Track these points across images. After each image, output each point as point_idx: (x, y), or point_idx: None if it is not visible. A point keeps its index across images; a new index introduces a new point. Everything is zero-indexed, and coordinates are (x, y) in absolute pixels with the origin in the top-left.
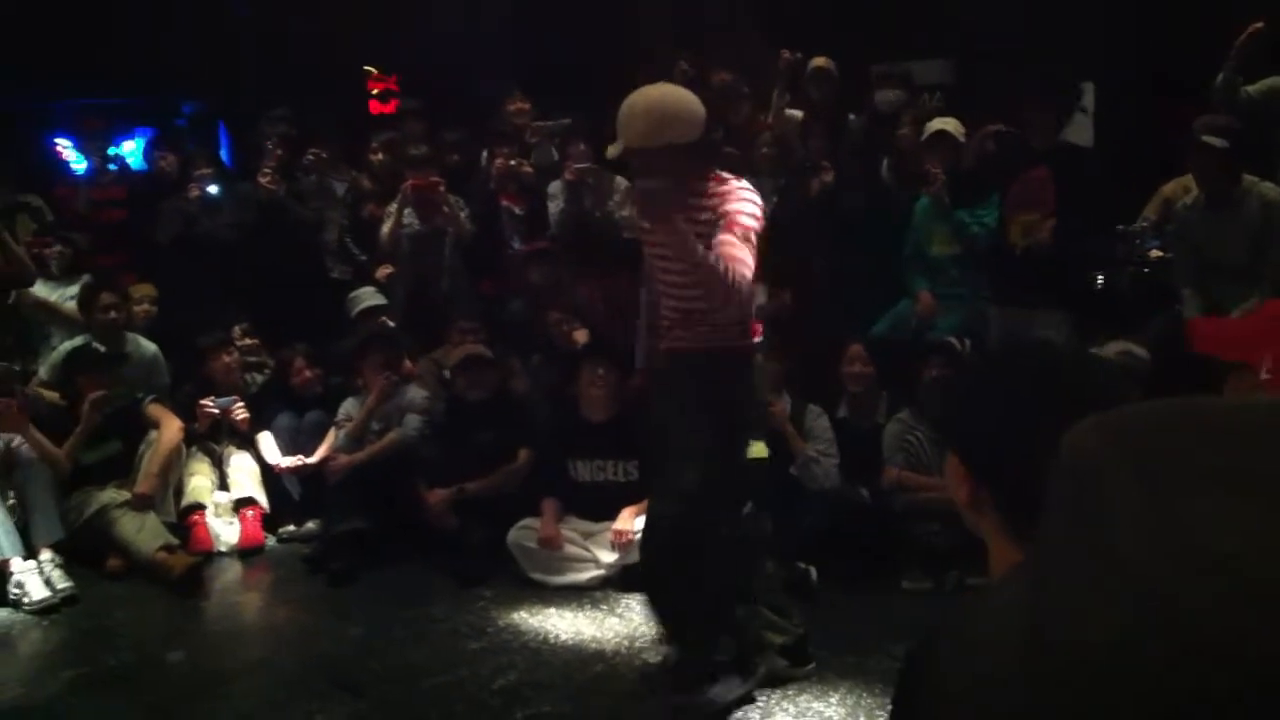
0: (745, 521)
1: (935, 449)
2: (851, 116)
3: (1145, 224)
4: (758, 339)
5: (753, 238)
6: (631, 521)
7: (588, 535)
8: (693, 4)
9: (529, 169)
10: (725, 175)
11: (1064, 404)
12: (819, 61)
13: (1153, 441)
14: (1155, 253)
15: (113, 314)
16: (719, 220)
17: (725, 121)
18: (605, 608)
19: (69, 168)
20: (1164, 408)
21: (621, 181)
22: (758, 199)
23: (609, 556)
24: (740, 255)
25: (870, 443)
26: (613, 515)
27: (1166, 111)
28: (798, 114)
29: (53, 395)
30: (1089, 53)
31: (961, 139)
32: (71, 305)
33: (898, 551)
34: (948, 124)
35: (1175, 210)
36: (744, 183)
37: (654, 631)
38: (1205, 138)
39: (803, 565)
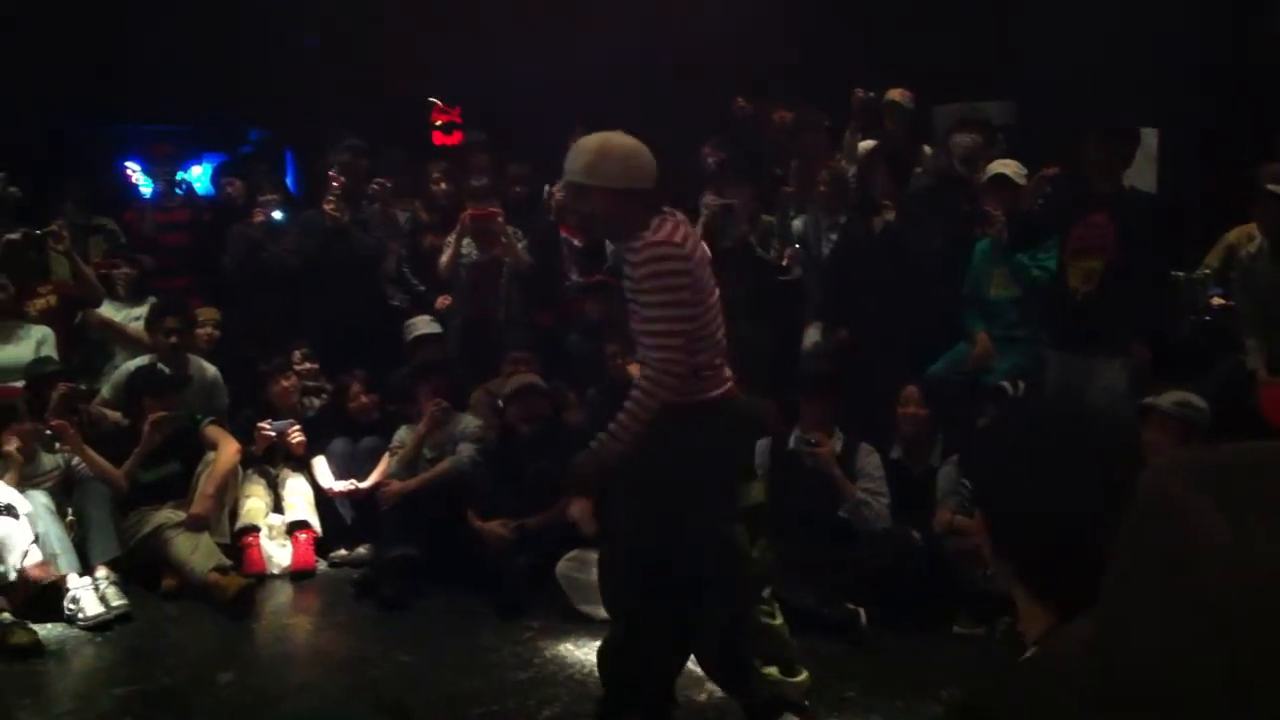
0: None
1: None
2: (927, 149)
3: (1208, 271)
4: (720, 388)
5: (671, 302)
6: None
7: None
8: (757, 45)
9: None
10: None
11: (1087, 479)
12: (895, 94)
13: (1238, 481)
14: (1217, 300)
15: (174, 338)
16: (639, 287)
17: (794, 156)
18: None
19: (138, 191)
20: (1247, 450)
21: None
22: (671, 251)
23: None
24: (658, 347)
25: (923, 485)
26: None
27: (1232, 159)
28: (871, 143)
29: (116, 414)
30: (1154, 98)
31: (1021, 182)
32: (137, 326)
33: (949, 595)
34: (1008, 166)
35: (1238, 258)
36: (659, 234)
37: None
38: (1270, 186)
39: (851, 606)
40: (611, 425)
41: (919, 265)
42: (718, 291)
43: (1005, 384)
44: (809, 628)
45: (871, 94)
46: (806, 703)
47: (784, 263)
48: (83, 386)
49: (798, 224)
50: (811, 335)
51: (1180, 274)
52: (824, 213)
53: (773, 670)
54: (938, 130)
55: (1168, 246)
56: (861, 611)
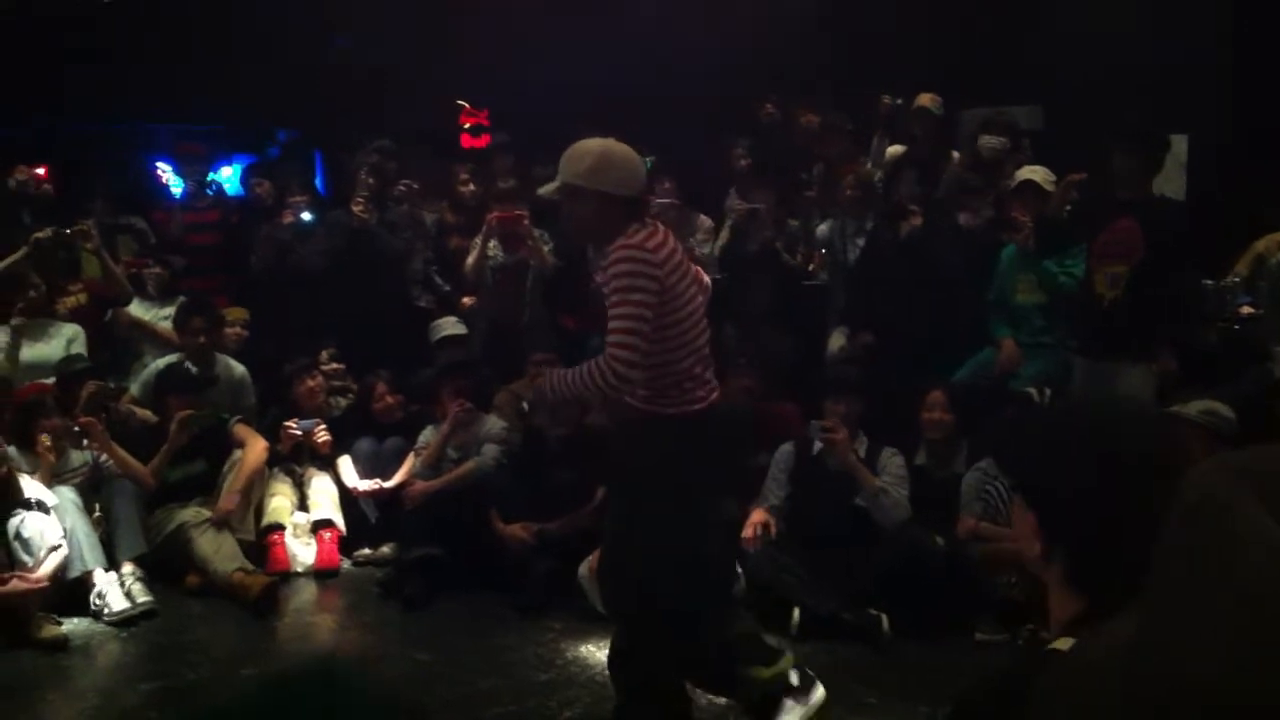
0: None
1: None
2: (955, 154)
3: (1236, 279)
4: (705, 398)
5: (633, 302)
6: None
7: None
8: (784, 49)
9: None
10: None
11: (1141, 468)
12: (924, 99)
13: None
14: (1246, 309)
15: (202, 338)
16: (606, 288)
17: (819, 160)
18: None
19: (168, 191)
20: None
21: (704, 220)
22: (640, 255)
23: None
24: (614, 344)
25: (948, 491)
26: None
27: (1262, 167)
28: (899, 149)
29: (145, 413)
30: (1183, 104)
31: (1049, 187)
32: (166, 325)
33: (971, 602)
34: (1035, 172)
35: (1268, 266)
36: (634, 239)
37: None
38: None
39: (874, 612)
40: (556, 375)
41: (945, 271)
42: (700, 299)
43: (1031, 390)
44: (831, 633)
45: (899, 100)
46: (796, 672)
47: (809, 267)
48: (111, 385)
49: (823, 229)
50: (836, 340)
51: (1208, 281)
52: (850, 218)
53: (759, 670)
54: (963, 135)
55: (1196, 254)
56: (884, 617)
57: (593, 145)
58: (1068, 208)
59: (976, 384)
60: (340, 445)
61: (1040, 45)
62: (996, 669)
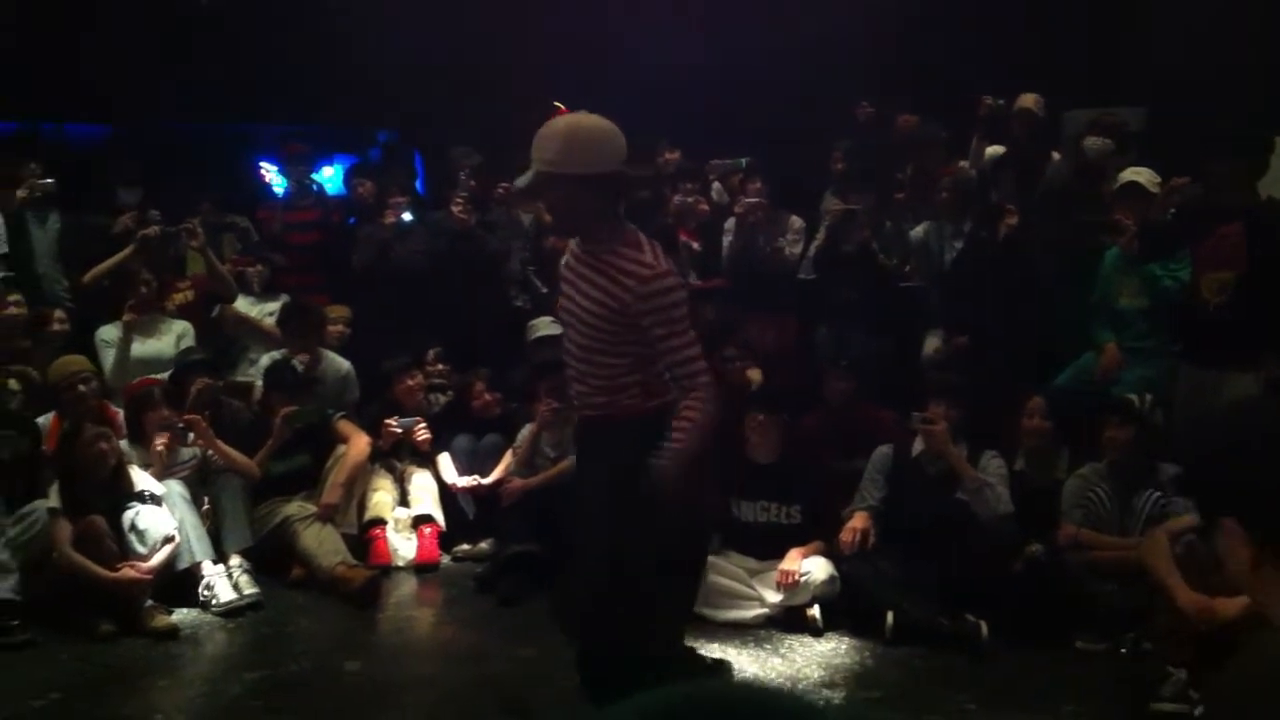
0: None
1: (1118, 506)
2: (1055, 155)
3: None
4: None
5: (687, 324)
6: (798, 563)
7: (753, 573)
8: (884, 48)
9: (705, 206)
10: (638, 244)
11: None
12: (1027, 100)
13: None
14: None
15: (306, 338)
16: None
17: (916, 162)
18: (769, 646)
19: (271, 190)
20: None
21: (795, 220)
22: (675, 281)
23: (774, 596)
24: (698, 371)
25: (1048, 499)
26: (778, 555)
27: None
28: (998, 149)
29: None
30: None
31: (1153, 190)
32: (269, 321)
33: (1071, 610)
34: (1139, 174)
35: None
36: (658, 264)
37: (817, 674)
38: None
39: (972, 618)
40: (673, 453)
41: (1044, 273)
42: None
43: (1133, 396)
44: (927, 639)
45: (1000, 101)
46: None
47: (905, 269)
48: (220, 381)
49: (918, 231)
50: (931, 343)
51: None
52: (947, 220)
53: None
54: (1066, 136)
55: None
56: (983, 624)
57: (559, 125)
58: (1172, 210)
59: (1077, 389)
60: (439, 442)
61: (1143, 45)
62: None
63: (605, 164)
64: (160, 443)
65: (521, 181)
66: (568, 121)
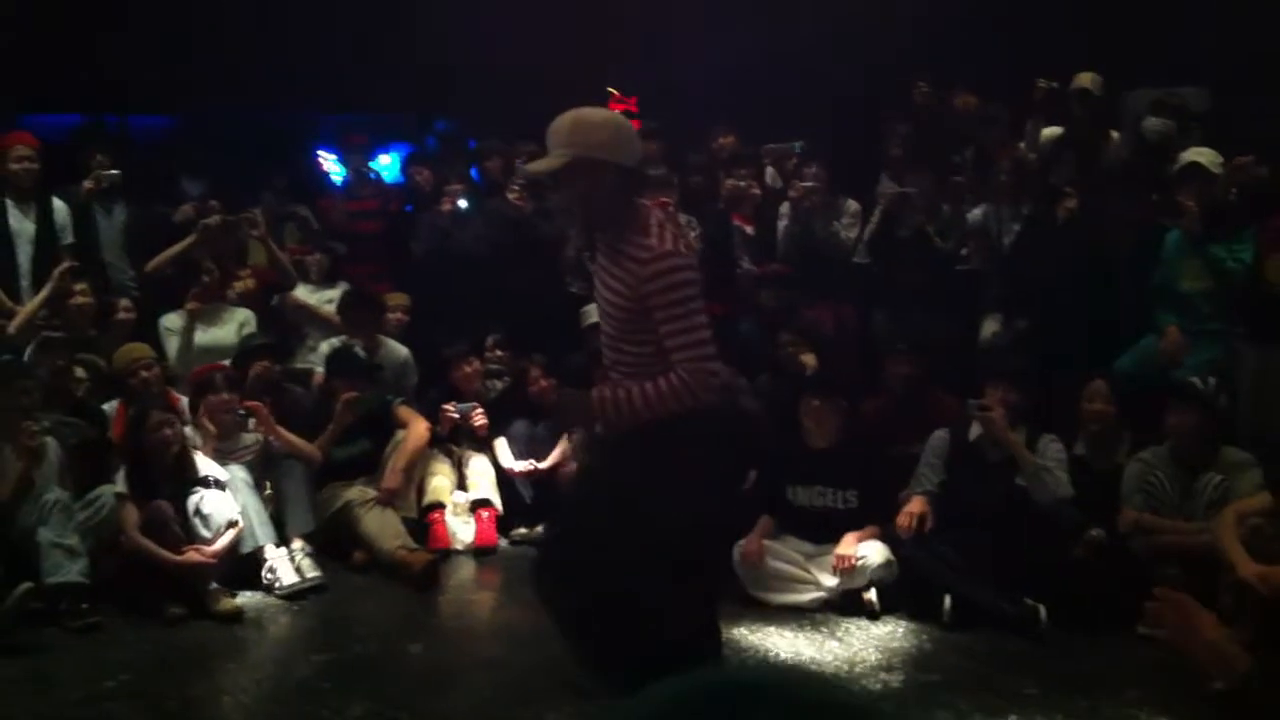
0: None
1: (1179, 490)
2: (1115, 134)
3: None
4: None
5: (690, 306)
6: (854, 547)
7: (809, 557)
8: (942, 28)
9: (758, 190)
10: (645, 228)
11: None
12: (1084, 79)
13: None
14: None
15: (365, 326)
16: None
17: (974, 144)
18: (825, 630)
19: (330, 180)
20: None
21: (851, 204)
22: (686, 261)
23: (830, 580)
24: (698, 356)
25: (1109, 484)
26: (834, 539)
27: None
28: (1055, 131)
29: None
30: None
31: (1216, 170)
32: (329, 309)
33: (1133, 595)
34: (1201, 154)
35: None
36: (665, 242)
37: (874, 658)
38: None
39: (1030, 602)
40: (622, 395)
41: (1105, 255)
42: None
43: (1196, 379)
44: (986, 622)
45: (1055, 84)
46: None
47: (962, 252)
48: (279, 366)
49: (976, 214)
50: (989, 326)
51: None
52: (1006, 202)
53: None
54: (1126, 116)
55: None
56: (1042, 608)
57: (604, 115)
58: (1235, 191)
59: (1139, 373)
60: (496, 427)
61: (1205, 24)
62: None
63: (637, 160)
64: (211, 423)
65: (545, 165)
66: (609, 114)
